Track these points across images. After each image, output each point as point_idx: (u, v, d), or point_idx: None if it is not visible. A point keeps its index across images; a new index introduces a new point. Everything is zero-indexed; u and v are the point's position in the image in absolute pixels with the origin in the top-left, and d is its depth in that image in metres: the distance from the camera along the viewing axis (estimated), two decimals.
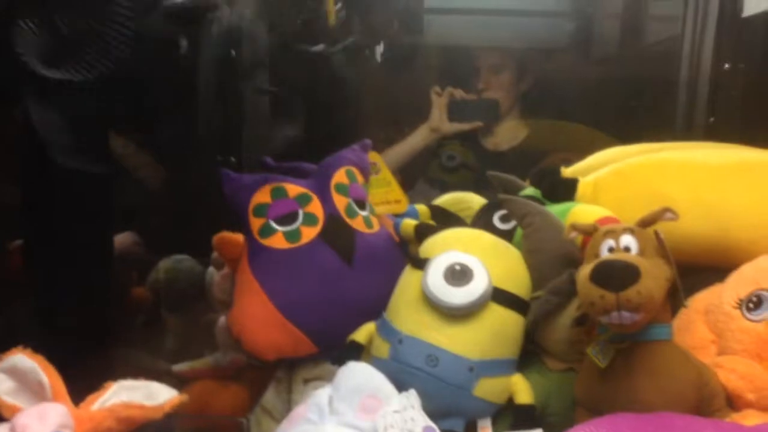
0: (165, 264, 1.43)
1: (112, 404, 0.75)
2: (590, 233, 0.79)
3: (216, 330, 1.19)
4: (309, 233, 0.94)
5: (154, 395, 0.77)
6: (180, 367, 1.18)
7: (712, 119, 1.50)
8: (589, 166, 1.03)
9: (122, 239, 1.41)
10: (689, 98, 1.57)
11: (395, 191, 1.10)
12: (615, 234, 0.77)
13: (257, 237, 0.95)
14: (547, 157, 1.55)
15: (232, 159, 1.57)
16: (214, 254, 1.25)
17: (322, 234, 0.94)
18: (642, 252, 0.75)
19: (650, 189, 0.91)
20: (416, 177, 1.70)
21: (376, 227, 1.00)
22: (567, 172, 1.03)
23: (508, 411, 0.85)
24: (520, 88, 1.67)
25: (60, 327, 1.08)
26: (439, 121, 1.63)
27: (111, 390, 0.77)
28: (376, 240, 0.98)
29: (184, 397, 0.79)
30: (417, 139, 1.65)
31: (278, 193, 0.96)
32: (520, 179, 1.10)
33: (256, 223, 0.95)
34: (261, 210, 0.95)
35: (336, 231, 0.94)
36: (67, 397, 0.75)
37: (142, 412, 0.76)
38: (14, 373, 0.75)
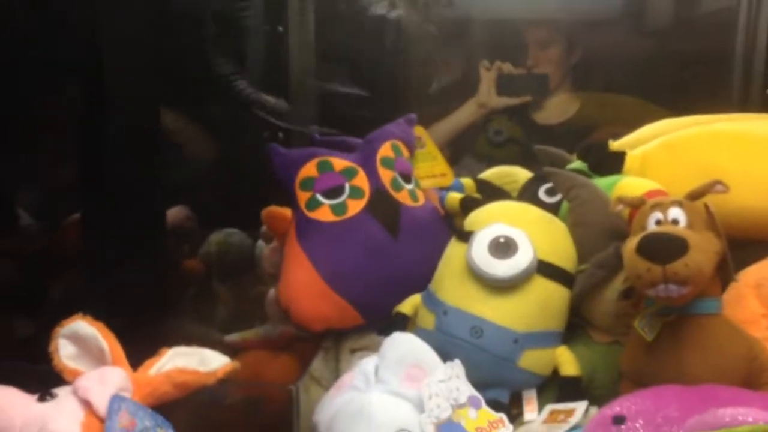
0: (216, 237, 1.46)
1: (168, 370, 0.78)
2: (637, 206, 0.79)
3: (266, 302, 1.21)
4: (355, 206, 0.95)
5: (207, 362, 0.80)
6: (231, 338, 1.21)
7: None
8: (637, 139, 1.02)
9: (175, 213, 1.44)
10: (745, 70, 1.53)
11: (441, 165, 1.10)
12: (663, 207, 0.76)
13: (304, 210, 0.96)
14: (597, 131, 1.53)
15: (280, 134, 1.60)
16: (263, 228, 1.27)
17: (368, 207, 0.95)
18: (691, 225, 0.74)
19: (701, 161, 0.89)
20: (463, 152, 1.70)
21: (421, 200, 1.01)
22: (615, 145, 1.02)
23: (553, 383, 0.86)
24: (570, 62, 1.64)
25: (115, 297, 1.12)
26: (487, 95, 1.61)
27: (167, 356, 0.80)
28: (421, 213, 0.99)
29: (236, 364, 0.82)
30: (465, 114, 1.64)
31: (325, 167, 0.97)
32: (569, 153, 1.09)
33: (303, 197, 0.97)
34: (308, 183, 0.97)
35: (382, 204, 0.96)
36: (125, 362, 0.78)
37: (196, 378, 0.79)
38: (75, 338, 0.78)
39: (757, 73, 1.52)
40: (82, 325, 0.78)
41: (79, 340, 0.78)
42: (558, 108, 1.66)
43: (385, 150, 1.00)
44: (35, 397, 0.73)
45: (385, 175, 0.98)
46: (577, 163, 1.03)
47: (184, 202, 1.48)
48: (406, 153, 1.03)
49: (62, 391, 0.74)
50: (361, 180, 0.97)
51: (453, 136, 1.65)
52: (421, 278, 0.92)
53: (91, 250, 1.20)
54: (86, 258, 1.23)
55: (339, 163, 0.98)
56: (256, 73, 1.61)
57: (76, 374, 0.76)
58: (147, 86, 1.18)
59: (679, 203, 0.76)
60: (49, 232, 1.47)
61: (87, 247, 1.22)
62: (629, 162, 0.95)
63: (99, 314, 0.82)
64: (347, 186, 0.96)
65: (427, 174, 1.08)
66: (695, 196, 0.76)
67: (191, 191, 1.52)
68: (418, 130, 1.10)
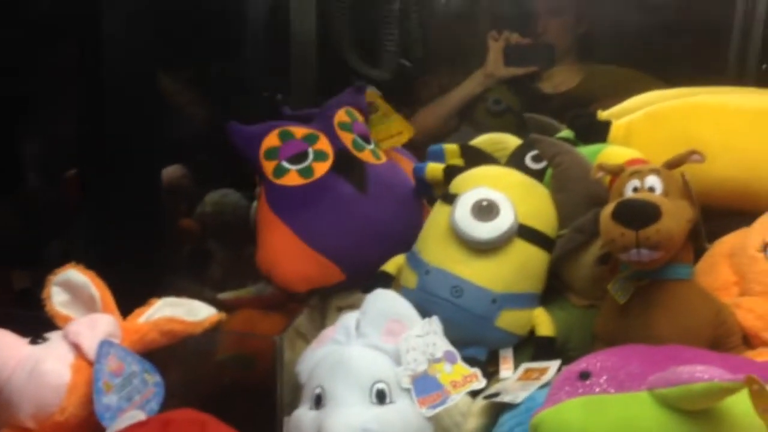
0: (212, 197, 1.48)
1: (156, 318, 0.81)
2: (617, 173, 0.81)
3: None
4: (321, 168, 1.00)
5: (195, 312, 0.83)
6: (225, 296, 1.23)
7: (765, 66, 1.46)
8: (625, 108, 1.03)
9: (171, 171, 1.46)
10: (742, 44, 1.53)
11: (396, 124, 1.13)
12: (641, 174, 0.78)
13: (272, 178, 1.00)
14: (597, 102, 1.53)
15: (279, 96, 1.61)
16: (258, 189, 1.29)
17: (334, 167, 1.00)
18: (666, 193, 0.76)
19: (682, 132, 0.91)
20: (461, 120, 1.71)
21: (383, 159, 1.06)
22: (603, 114, 1.03)
23: (529, 343, 0.88)
24: (577, 32, 1.64)
25: (111, 253, 1.14)
26: (494, 66, 1.61)
27: (156, 305, 0.83)
28: (385, 170, 1.04)
29: (223, 315, 0.85)
30: (472, 84, 1.64)
31: (286, 136, 1.02)
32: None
33: (269, 166, 1.01)
34: (272, 153, 1.01)
35: (347, 163, 1.01)
36: (115, 310, 0.81)
37: (183, 327, 0.81)
38: (68, 286, 0.81)
39: (754, 47, 1.52)
40: (74, 274, 0.80)
41: (72, 288, 0.81)
42: (562, 78, 1.65)
43: (340, 116, 1.05)
44: (28, 340, 0.76)
45: (346, 138, 1.03)
46: (565, 132, 1.05)
47: (181, 161, 1.50)
48: (360, 118, 1.08)
49: (54, 335, 0.77)
50: (324, 144, 1.01)
51: (461, 106, 1.66)
52: (391, 229, 0.98)
53: (88, 206, 1.22)
54: (83, 213, 1.25)
55: (299, 131, 1.03)
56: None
57: (68, 320, 0.79)
58: (145, 44, 1.19)
59: (656, 171, 0.78)
60: (48, 187, 1.49)
61: (84, 203, 1.24)
62: (614, 131, 0.96)
63: (95, 267, 0.85)
64: (311, 150, 1.01)
65: (386, 135, 1.12)
66: (673, 165, 0.78)
67: (188, 150, 1.53)
68: (370, 95, 1.14)
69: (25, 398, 0.71)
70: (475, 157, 1.03)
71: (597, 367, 0.67)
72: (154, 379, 0.76)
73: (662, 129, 0.93)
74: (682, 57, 1.61)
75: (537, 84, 1.64)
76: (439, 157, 1.03)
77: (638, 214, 0.72)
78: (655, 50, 1.61)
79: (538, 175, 0.95)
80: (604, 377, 0.65)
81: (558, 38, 1.60)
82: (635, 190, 0.78)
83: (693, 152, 0.77)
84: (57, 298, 0.81)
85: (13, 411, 0.72)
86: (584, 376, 0.66)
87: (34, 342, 0.76)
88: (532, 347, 0.88)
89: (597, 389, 0.65)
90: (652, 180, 0.77)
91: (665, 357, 0.66)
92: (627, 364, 0.66)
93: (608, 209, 0.75)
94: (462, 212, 0.85)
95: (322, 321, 1.02)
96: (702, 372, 0.59)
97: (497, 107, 1.67)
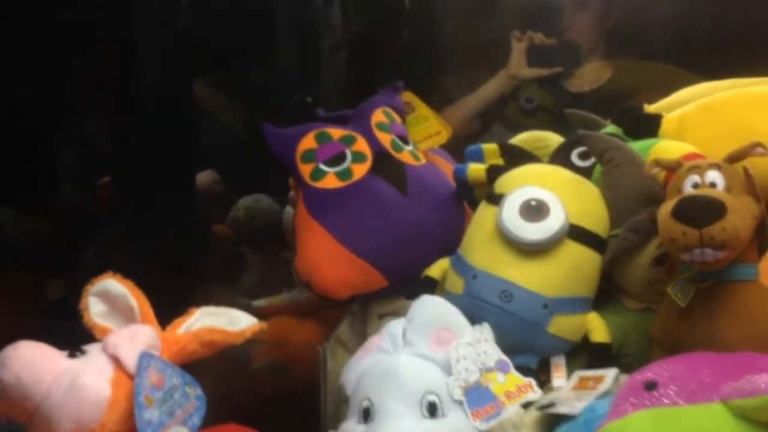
0: (244, 202, 1.47)
1: (196, 329, 0.79)
2: (674, 169, 0.77)
3: (292, 268, 1.21)
4: (360, 170, 0.97)
5: (235, 321, 0.80)
6: (259, 303, 1.21)
7: None
8: (673, 102, 0.99)
9: (203, 177, 1.45)
10: None
11: (434, 124, 1.10)
12: (700, 170, 0.74)
13: (309, 181, 0.97)
14: (630, 99, 1.49)
15: (309, 99, 1.59)
16: (291, 193, 1.27)
17: (373, 169, 0.97)
18: (729, 189, 0.72)
19: (739, 124, 0.86)
20: (492, 120, 1.68)
21: (423, 160, 1.03)
22: (650, 108, 0.99)
23: (582, 349, 0.85)
24: (604, 26, 1.60)
25: (145, 259, 1.13)
26: (517, 66, 1.58)
27: (195, 315, 0.80)
28: (425, 171, 1.01)
29: (264, 324, 0.82)
30: (495, 86, 1.62)
31: (323, 138, 0.99)
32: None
33: (306, 169, 0.98)
34: (309, 155, 0.98)
35: (386, 164, 0.98)
36: (154, 321, 0.78)
37: (224, 337, 0.79)
38: (105, 296, 0.79)
39: None
40: (112, 284, 0.78)
41: (109, 298, 0.79)
42: (590, 75, 1.61)
43: (378, 116, 1.02)
44: (65, 353, 0.74)
45: (384, 138, 1.00)
46: (611, 128, 1.01)
47: (213, 166, 1.49)
48: (398, 119, 1.05)
49: (92, 348, 0.75)
50: (361, 145, 0.99)
51: (483, 107, 1.63)
52: (434, 233, 0.94)
53: (122, 213, 1.22)
54: (117, 220, 1.24)
55: (336, 132, 1.00)
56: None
57: (106, 332, 0.77)
58: (177, 50, 1.18)
59: (717, 166, 0.74)
60: (83, 194, 1.49)
61: (118, 210, 1.23)
62: (665, 125, 0.92)
63: (129, 275, 0.83)
64: (348, 152, 0.98)
65: (423, 136, 1.09)
66: (734, 158, 0.74)
67: (221, 156, 1.52)
68: (407, 96, 1.11)
69: (64, 415, 0.69)
70: (517, 156, 0.99)
71: (664, 376, 0.63)
72: (195, 392, 0.74)
73: (717, 121, 0.89)
74: (719, 51, 1.56)
75: (562, 83, 1.61)
76: (478, 157, 1.00)
77: (702, 212, 0.68)
78: (693, 44, 1.57)
79: (586, 173, 0.91)
80: (673, 387, 0.62)
81: (584, 34, 1.57)
82: (695, 186, 0.74)
83: (757, 144, 0.73)
84: (94, 309, 0.78)
85: (53, 427, 0.70)
86: (650, 386, 0.63)
87: (72, 355, 0.74)
88: (585, 354, 0.84)
89: (665, 400, 0.61)
90: (713, 175, 0.73)
91: (738, 365, 0.62)
92: (697, 373, 0.62)
93: (668, 207, 0.71)
94: (510, 213, 0.82)
95: (363, 329, 0.99)
96: None
97: (530, 105, 1.64)
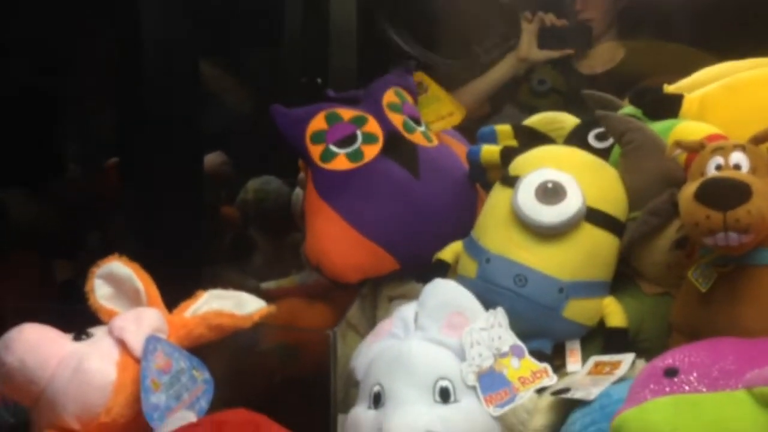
0: (253, 184, 1.46)
1: (204, 312, 0.77)
2: (696, 150, 0.74)
3: (302, 251, 1.20)
4: (371, 151, 0.95)
5: (243, 305, 0.79)
6: (267, 285, 1.20)
7: None
8: (694, 82, 0.96)
9: (212, 158, 1.43)
10: None
11: (447, 105, 1.08)
12: (724, 151, 0.72)
13: (319, 163, 0.95)
14: (644, 80, 1.46)
15: (318, 80, 1.57)
16: (301, 175, 1.25)
17: (385, 150, 0.95)
18: (754, 170, 0.70)
19: (763, 105, 0.84)
20: (504, 101, 1.65)
21: (435, 142, 1.01)
22: (670, 89, 0.97)
23: (597, 334, 0.83)
24: (618, 6, 1.57)
25: (153, 241, 1.12)
26: (528, 49, 1.55)
27: (203, 298, 0.79)
28: (438, 152, 0.99)
29: (273, 308, 0.81)
30: (505, 68, 1.59)
31: (333, 119, 0.97)
32: None
33: (316, 150, 0.96)
34: (319, 136, 0.96)
35: (398, 146, 0.96)
36: (161, 304, 0.77)
37: (232, 321, 0.78)
38: (111, 279, 0.77)
39: None
40: (117, 266, 0.77)
41: (115, 281, 0.77)
42: (603, 56, 1.58)
43: (389, 96, 1.00)
44: (71, 336, 0.73)
45: (396, 119, 0.98)
46: (629, 108, 0.98)
47: (222, 148, 1.47)
48: (410, 99, 1.03)
49: (98, 331, 0.74)
50: (373, 126, 0.97)
51: (493, 90, 1.61)
52: (447, 215, 0.93)
53: (130, 195, 1.20)
54: (125, 202, 1.23)
55: (347, 113, 0.98)
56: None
57: (112, 314, 0.76)
58: (184, 31, 1.16)
59: (741, 147, 0.71)
60: (90, 177, 1.48)
61: (125, 192, 1.22)
62: (686, 105, 0.89)
63: (137, 258, 0.81)
64: (359, 133, 0.96)
65: (436, 117, 1.07)
66: (760, 140, 0.72)
67: (229, 137, 1.50)
68: (419, 76, 1.09)
69: (70, 398, 0.68)
70: (531, 138, 0.97)
71: (685, 362, 0.61)
72: (202, 376, 0.73)
73: (742, 102, 0.86)
74: (734, 32, 1.53)
75: (577, 63, 1.58)
76: (491, 138, 0.97)
77: (726, 194, 0.66)
78: (708, 23, 1.53)
79: (603, 154, 0.89)
80: (694, 374, 0.60)
81: (597, 14, 1.53)
82: (718, 168, 0.71)
83: None
84: (100, 292, 0.77)
85: (57, 411, 0.69)
86: (671, 372, 0.61)
87: (77, 338, 0.72)
88: (601, 339, 0.82)
89: (687, 387, 0.59)
90: (738, 157, 0.71)
91: (763, 351, 0.60)
92: (720, 360, 0.60)
93: (690, 189, 0.69)
94: (525, 195, 0.80)
95: (373, 312, 0.97)
96: None
97: (542, 87, 1.62)
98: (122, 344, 0.71)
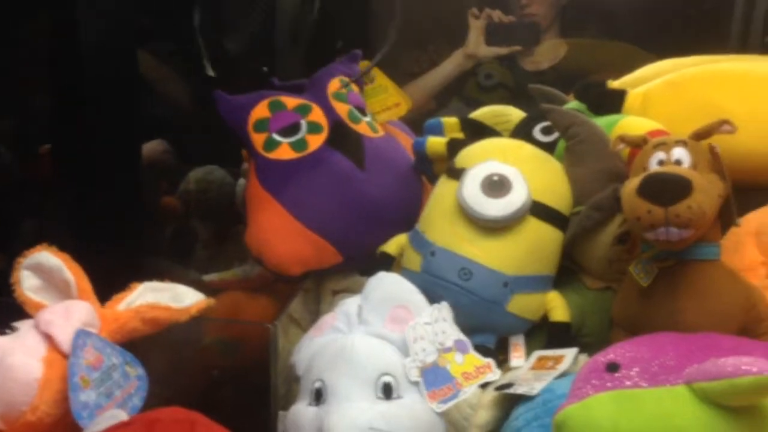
0: (195, 174, 1.41)
1: (138, 305, 0.74)
2: (639, 145, 0.75)
3: (244, 242, 1.17)
4: (315, 141, 0.93)
5: (180, 298, 0.76)
6: (209, 278, 1.17)
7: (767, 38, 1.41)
8: (638, 78, 0.97)
9: (152, 147, 1.39)
10: (744, 16, 1.48)
11: (393, 95, 1.06)
12: (666, 146, 0.72)
13: (262, 152, 0.93)
14: (587, 77, 1.48)
15: (264, 69, 1.53)
16: (245, 165, 1.23)
17: (330, 140, 0.93)
18: (695, 166, 0.71)
19: (705, 101, 0.85)
20: (451, 95, 1.65)
21: (381, 132, 1.00)
22: (614, 84, 0.97)
23: (540, 329, 0.83)
24: (561, 2, 1.58)
25: (88, 232, 1.08)
26: (475, 45, 1.56)
27: (137, 291, 0.76)
28: (383, 143, 0.98)
29: (211, 301, 0.78)
30: (452, 65, 1.60)
31: (276, 107, 0.95)
32: None
33: (258, 139, 0.94)
34: (262, 125, 0.94)
35: (343, 136, 0.94)
36: (93, 296, 0.74)
37: (168, 314, 0.75)
38: (39, 270, 0.74)
39: (756, 20, 1.47)
40: (46, 256, 0.73)
41: (44, 272, 0.74)
42: (547, 53, 1.60)
43: (334, 85, 0.98)
44: None
45: (341, 109, 0.96)
46: (574, 104, 0.99)
47: (163, 136, 1.43)
48: (355, 88, 1.02)
49: (24, 325, 0.70)
50: (317, 115, 0.95)
51: (441, 86, 1.61)
52: (391, 208, 0.91)
53: (63, 183, 1.15)
54: (58, 190, 1.18)
55: (291, 101, 0.96)
56: None
57: (40, 307, 0.72)
58: (124, 15, 1.12)
59: (683, 143, 0.72)
60: (22, 163, 1.42)
61: (59, 180, 1.17)
62: (630, 101, 0.90)
63: (71, 249, 0.78)
64: (303, 122, 0.94)
65: (382, 107, 1.05)
66: (701, 136, 0.72)
67: (170, 125, 1.46)
68: (364, 65, 1.07)
69: None
70: (477, 130, 0.96)
71: (626, 357, 0.61)
72: (136, 371, 0.70)
73: (683, 98, 0.87)
74: (677, 30, 1.56)
75: (521, 59, 1.59)
76: (437, 131, 0.97)
77: (668, 189, 0.66)
78: (650, 23, 1.56)
79: (548, 148, 0.89)
80: (635, 369, 0.60)
81: (542, 9, 1.55)
82: (660, 163, 0.72)
83: (724, 122, 0.71)
84: (27, 283, 0.73)
85: None
86: (612, 367, 0.61)
87: (1, 333, 0.69)
88: (544, 333, 0.82)
89: (628, 383, 0.59)
90: (679, 152, 0.71)
91: (702, 347, 0.60)
92: (660, 355, 0.60)
93: (633, 184, 0.69)
94: (471, 188, 0.79)
95: (316, 305, 0.95)
96: (749, 364, 0.54)
97: (489, 82, 1.63)
98: (49, 339, 0.67)
